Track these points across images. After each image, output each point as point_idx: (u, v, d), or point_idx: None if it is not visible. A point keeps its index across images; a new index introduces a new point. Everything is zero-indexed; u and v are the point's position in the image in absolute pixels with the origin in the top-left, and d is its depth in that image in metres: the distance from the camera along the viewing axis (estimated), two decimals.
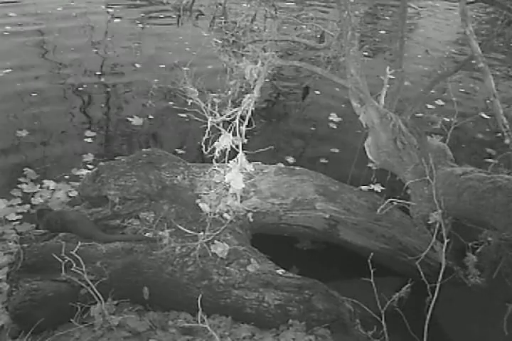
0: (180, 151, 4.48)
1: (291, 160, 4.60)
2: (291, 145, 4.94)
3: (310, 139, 5.12)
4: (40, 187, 3.82)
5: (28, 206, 3.59)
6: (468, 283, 3.08)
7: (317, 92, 5.94)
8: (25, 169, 3.99)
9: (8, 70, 5.56)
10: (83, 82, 5.60)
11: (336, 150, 4.83)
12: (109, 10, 7.88)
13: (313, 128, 5.26)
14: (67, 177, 3.95)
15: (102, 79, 5.73)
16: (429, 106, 5.75)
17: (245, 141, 4.46)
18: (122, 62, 6.23)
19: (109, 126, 4.94)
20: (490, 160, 4.19)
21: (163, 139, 4.81)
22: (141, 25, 7.48)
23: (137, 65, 6.14)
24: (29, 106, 4.98)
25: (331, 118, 5.35)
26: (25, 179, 3.89)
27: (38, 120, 4.76)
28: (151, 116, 5.03)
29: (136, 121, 4.93)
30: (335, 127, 5.25)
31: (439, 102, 5.86)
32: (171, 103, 5.19)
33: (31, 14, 7.31)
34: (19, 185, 3.80)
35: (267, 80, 6.13)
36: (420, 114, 5.21)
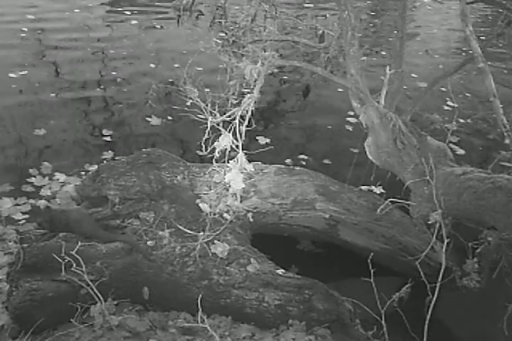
0: (201, 153, 4.46)
1: (305, 157, 4.62)
2: (301, 145, 4.93)
3: (326, 138, 5.12)
4: (50, 179, 3.84)
5: (34, 202, 3.60)
6: (459, 282, 3.08)
7: (340, 90, 5.80)
8: (43, 163, 4.03)
9: (24, 72, 5.58)
10: (100, 82, 5.63)
11: (356, 150, 4.76)
12: (126, 12, 8.01)
13: (329, 127, 5.26)
14: (82, 172, 3.97)
15: (118, 80, 5.75)
16: (446, 108, 5.69)
17: (268, 140, 4.60)
18: (138, 62, 6.27)
19: (127, 125, 4.94)
20: (504, 164, 4.16)
21: (179, 139, 4.82)
22: (158, 26, 7.57)
23: (152, 65, 6.17)
24: (46, 106, 4.99)
25: (347, 119, 5.32)
26: (37, 172, 3.92)
27: (55, 119, 4.77)
28: (170, 117, 5.03)
29: (154, 120, 4.95)
30: (351, 129, 5.20)
31: (451, 103, 5.77)
32: (188, 103, 5.21)
33: (49, 16, 7.36)
34: (28, 179, 3.83)
35: (285, 77, 6.12)
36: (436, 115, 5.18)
